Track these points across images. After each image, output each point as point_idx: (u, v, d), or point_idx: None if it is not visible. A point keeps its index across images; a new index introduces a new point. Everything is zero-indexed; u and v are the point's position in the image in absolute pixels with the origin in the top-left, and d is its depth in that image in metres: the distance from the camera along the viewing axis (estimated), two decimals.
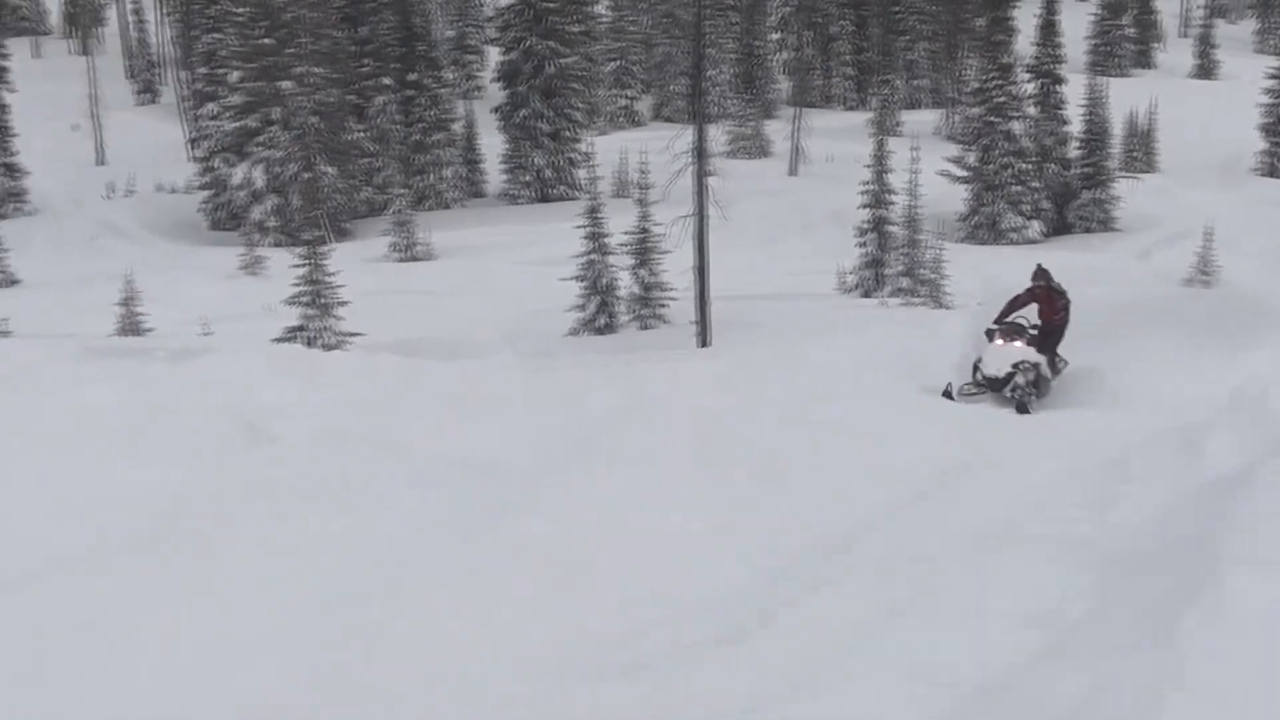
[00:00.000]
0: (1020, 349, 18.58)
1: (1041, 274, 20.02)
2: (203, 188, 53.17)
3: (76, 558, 7.24)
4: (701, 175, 23.66)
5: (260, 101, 49.77)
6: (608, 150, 48.12)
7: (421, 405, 12.24)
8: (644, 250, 28.31)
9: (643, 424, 11.86)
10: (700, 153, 23.95)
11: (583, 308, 28.29)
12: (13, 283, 42.66)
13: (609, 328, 28.02)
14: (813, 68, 79.04)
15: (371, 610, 7.10)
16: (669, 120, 68.85)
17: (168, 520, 7.96)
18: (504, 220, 49.72)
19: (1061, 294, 19.92)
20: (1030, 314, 19.69)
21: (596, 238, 28.39)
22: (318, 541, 7.98)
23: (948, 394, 18.29)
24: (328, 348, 22.44)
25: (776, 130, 62.92)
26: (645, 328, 28.04)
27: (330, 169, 50.07)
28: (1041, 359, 18.81)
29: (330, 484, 9.04)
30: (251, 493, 8.68)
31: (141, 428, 9.45)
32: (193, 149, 59.09)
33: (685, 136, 24.16)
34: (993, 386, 18.53)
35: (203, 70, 56.70)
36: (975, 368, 18.98)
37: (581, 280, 28.40)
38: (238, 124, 50.34)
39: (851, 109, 75.76)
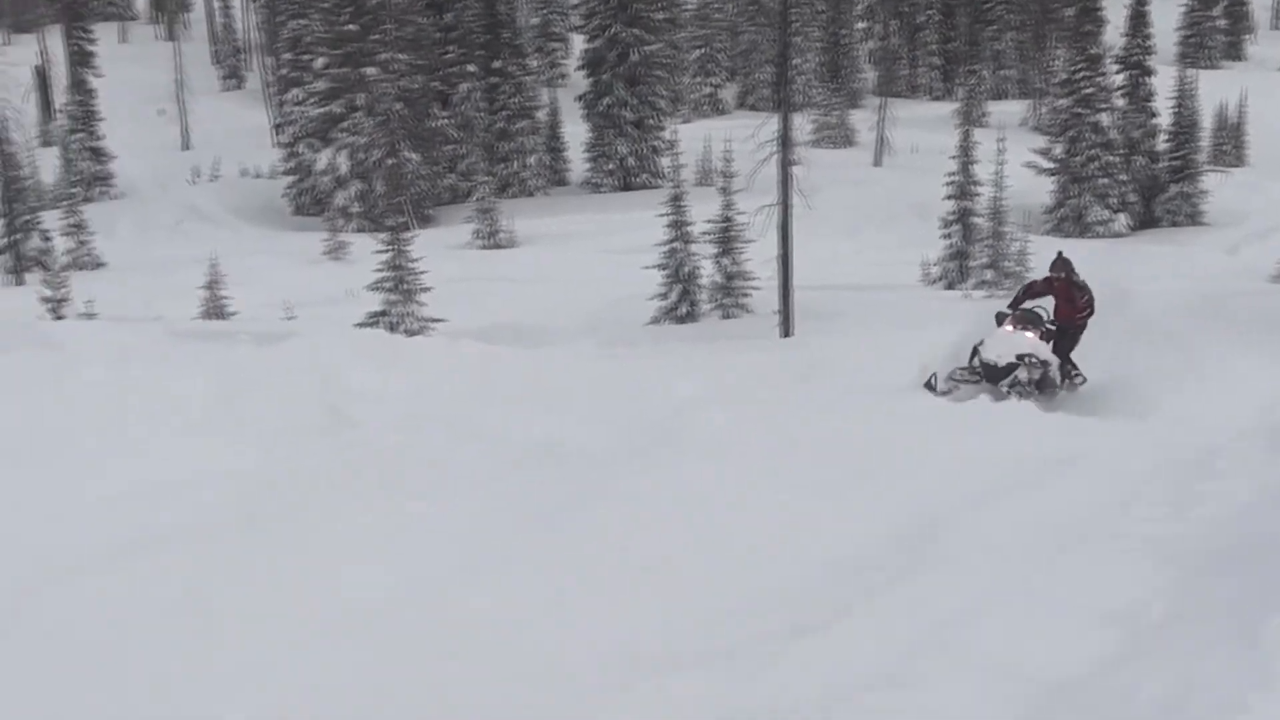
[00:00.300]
0: (1030, 340, 16.49)
1: (1062, 264, 17.90)
2: (287, 173, 53.51)
3: (163, 538, 7.26)
4: (786, 164, 23.54)
5: (345, 87, 50.02)
6: (691, 138, 47.92)
7: (503, 392, 12.22)
8: (727, 239, 28.23)
9: (724, 413, 11.75)
10: (785, 142, 23.83)
11: (664, 296, 28.24)
12: (99, 265, 43.09)
13: (691, 316, 27.96)
14: (899, 57, 78.62)
15: (450, 594, 7.08)
16: (753, 109, 68.58)
17: (251, 502, 8.00)
18: (586, 208, 49.76)
19: (1084, 290, 17.60)
20: (1048, 308, 17.66)
21: (679, 226, 28.34)
22: (397, 525, 7.97)
23: (930, 386, 16.38)
24: (410, 333, 22.50)
25: (861, 120, 62.69)
26: (727, 317, 27.96)
27: (414, 155, 50.24)
28: (1053, 359, 16.80)
29: (411, 468, 9.04)
30: (333, 476, 8.69)
31: (227, 410, 9.48)
32: (277, 134, 59.44)
33: (770, 125, 24.06)
34: (989, 376, 16.41)
35: (288, 56, 57.10)
36: (974, 352, 16.84)
37: (663, 269, 28.35)
38: (322, 110, 50.63)
39: (937, 99, 75.18)
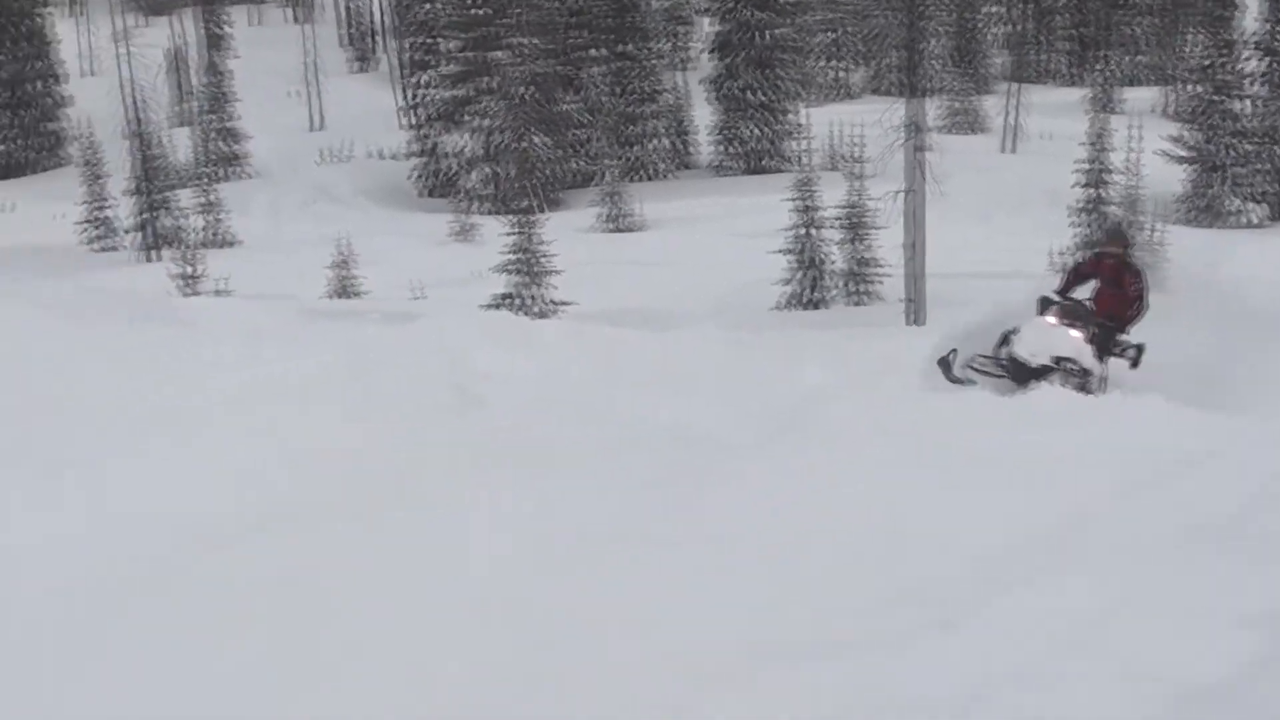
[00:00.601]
0: (1074, 341, 14.03)
1: (1118, 236, 15.69)
2: (415, 155, 53.91)
3: (289, 514, 7.29)
4: (916, 150, 23.29)
5: (474, 70, 50.36)
6: (819, 123, 47.68)
7: (629, 375, 12.17)
8: (856, 225, 28.08)
9: (852, 402, 11.65)
10: (915, 127, 23.57)
11: (791, 282, 28.06)
12: (232, 244, 43.69)
13: (819, 303, 27.76)
14: (1030, 41, 77.46)
15: (574, 578, 7.05)
16: (883, 93, 67.98)
17: (379, 480, 7.99)
18: (713, 192, 49.65)
19: (1138, 277, 14.84)
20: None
21: (807, 211, 28.21)
22: (522, 506, 7.93)
23: (945, 363, 14.35)
24: (537, 316, 22.55)
25: (992, 105, 61.93)
26: (856, 304, 27.79)
27: (542, 139, 50.39)
28: (1096, 369, 14.18)
29: (537, 450, 9.01)
30: (460, 456, 8.69)
31: (356, 389, 9.53)
32: (406, 116, 59.91)
33: (899, 110, 23.82)
34: (1016, 374, 14.13)
35: (418, 39, 57.48)
36: (1003, 339, 14.52)
37: (791, 254, 28.20)
38: (452, 92, 51.00)
39: (1069, 85, 73.97)
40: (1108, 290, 14.97)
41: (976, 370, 14.51)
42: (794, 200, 28.13)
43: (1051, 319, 14.37)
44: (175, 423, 8.25)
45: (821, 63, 71.45)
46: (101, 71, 65.58)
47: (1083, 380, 14.03)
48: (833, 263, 28.30)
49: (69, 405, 8.10)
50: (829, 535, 7.86)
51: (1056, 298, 14.79)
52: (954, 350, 14.64)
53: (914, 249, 23.23)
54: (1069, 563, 7.71)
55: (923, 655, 6.36)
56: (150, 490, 7.16)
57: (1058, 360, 14.07)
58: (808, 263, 27.96)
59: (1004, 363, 14.43)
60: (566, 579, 7.00)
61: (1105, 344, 14.50)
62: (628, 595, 6.87)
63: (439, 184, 52.47)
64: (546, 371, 11.77)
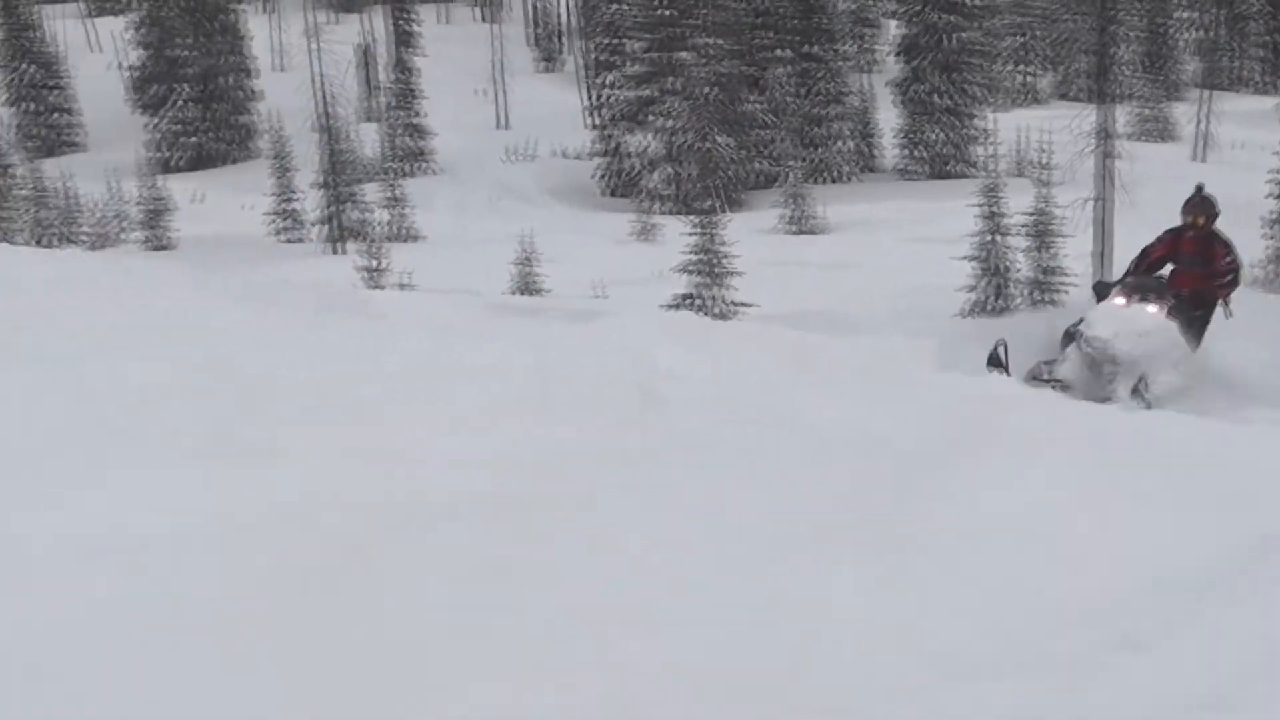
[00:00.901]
0: (1154, 319, 12.42)
1: (1200, 203, 13.69)
2: (598, 154, 54.27)
3: (470, 508, 7.29)
4: (1106, 158, 22.92)
5: (659, 71, 50.55)
6: (1006, 128, 47.13)
7: (814, 378, 12.09)
8: (1042, 232, 27.70)
9: (1043, 414, 11.43)
10: (1105, 134, 23.20)
11: (975, 289, 27.77)
12: (416, 239, 44.34)
13: (1003, 310, 27.44)
14: (1222, 48, 75.75)
15: (753, 584, 6.93)
16: (1071, 99, 66.96)
17: (567, 474, 8.02)
18: (897, 195, 49.35)
19: (1228, 248, 13.41)
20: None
21: (993, 217, 27.89)
22: (707, 510, 7.87)
23: (997, 361, 13.11)
24: (719, 316, 22.56)
25: (1182, 113, 60.71)
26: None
27: (726, 139, 50.46)
28: (1183, 344, 12.56)
29: (720, 452, 8.97)
30: (644, 455, 8.66)
31: (543, 385, 9.57)
32: (590, 116, 60.33)
33: (1088, 117, 23.48)
34: (1093, 368, 12.78)
35: (603, 39, 57.89)
36: (1067, 337, 13.35)
37: (975, 260, 27.89)
38: (636, 93, 51.24)
39: (1262, 93, 72.26)
40: (1185, 269, 13.61)
41: (1043, 382, 13.24)
42: (979, 206, 27.85)
43: (1119, 299, 12.89)
44: (366, 412, 8.34)
45: (1009, 67, 70.56)
46: (292, 67, 66.82)
47: (1179, 364, 12.46)
48: (1018, 270, 27.98)
49: (263, 393, 8.23)
50: (1020, 549, 7.71)
51: (1115, 282, 13.41)
52: (1002, 343, 13.51)
53: (1101, 258, 22.88)
54: (1265, 585, 7.51)
55: (1116, 676, 6.22)
56: (344, 475, 7.27)
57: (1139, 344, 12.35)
58: (992, 270, 27.68)
59: (1056, 380, 12.92)
60: (745, 586, 6.94)
61: (1192, 323, 12.87)
62: (811, 604, 6.78)
63: (622, 183, 52.80)
64: (729, 373, 11.74)
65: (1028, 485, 8.75)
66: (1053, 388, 12.54)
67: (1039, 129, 32.00)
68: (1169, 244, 13.69)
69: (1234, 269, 13.32)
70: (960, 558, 7.52)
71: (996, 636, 6.59)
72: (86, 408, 7.59)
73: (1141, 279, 13.09)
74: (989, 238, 27.66)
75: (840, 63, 57.30)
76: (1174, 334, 12.44)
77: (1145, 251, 13.90)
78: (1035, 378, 12.97)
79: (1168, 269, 13.75)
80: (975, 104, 55.59)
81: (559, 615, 6.31)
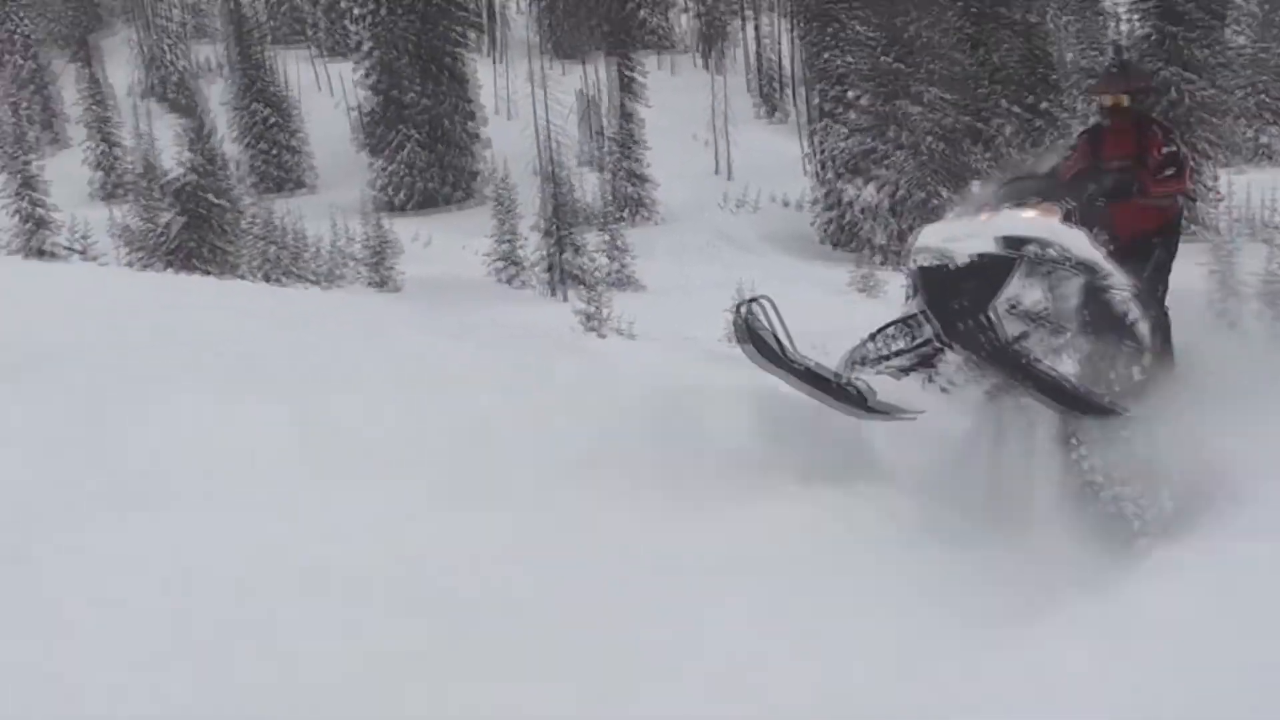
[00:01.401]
0: (1029, 221, 7.84)
1: (1115, 76, 9.78)
2: (818, 203, 54.13)
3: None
4: None
5: (882, 122, 50.28)
6: (1239, 188, 45.98)
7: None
8: (1276, 295, 27.03)
9: None
10: None
11: None
12: (637, 287, 44.63)
13: None
14: None
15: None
16: None
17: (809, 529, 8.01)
18: None
19: (1167, 134, 9.20)
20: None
21: (1222, 278, 27.29)
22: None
23: (754, 334, 8.94)
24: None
25: None
26: None
27: (948, 193, 50.09)
28: (1102, 263, 7.93)
29: (948, 522, 8.87)
30: (871, 524, 8.65)
31: (762, 439, 9.63)
32: (811, 165, 60.33)
33: None
34: (929, 293, 8.50)
35: (826, 89, 57.77)
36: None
37: None
38: (858, 143, 51.04)
39: None
40: (1115, 159, 9.32)
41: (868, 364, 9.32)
42: (1210, 268, 27.28)
43: (983, 214, 8.26)
44: (587, 459, 8.45)
45: (1242, 123, 68.87)
46: (517, 114, 67.79)
47: (1087, 277, 7.91)
48: None
49: (480, 435, 8.36)
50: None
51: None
52: (761, 299, 9.13)
53: None
54: None
55: None
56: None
57: (1012, 242, 7.80)
58: None
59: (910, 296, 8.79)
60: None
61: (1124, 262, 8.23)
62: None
63: (842, 234, 52.60)
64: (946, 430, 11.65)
65: None
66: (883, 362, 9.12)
67: (1275, 188, 31.15)
68: (1085, 149, 9.62)
69: (1176, 161, 9.01)
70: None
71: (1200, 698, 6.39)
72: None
73: (1018, 182, 8.70)
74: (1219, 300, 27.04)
75: (1067, 116, 56.49)
76: (1074, 239, 7.88)
77: (1054, 172, 9.42)
78: (861, 361, 9.02)
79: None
80: (1206, 161, 54.35)
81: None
